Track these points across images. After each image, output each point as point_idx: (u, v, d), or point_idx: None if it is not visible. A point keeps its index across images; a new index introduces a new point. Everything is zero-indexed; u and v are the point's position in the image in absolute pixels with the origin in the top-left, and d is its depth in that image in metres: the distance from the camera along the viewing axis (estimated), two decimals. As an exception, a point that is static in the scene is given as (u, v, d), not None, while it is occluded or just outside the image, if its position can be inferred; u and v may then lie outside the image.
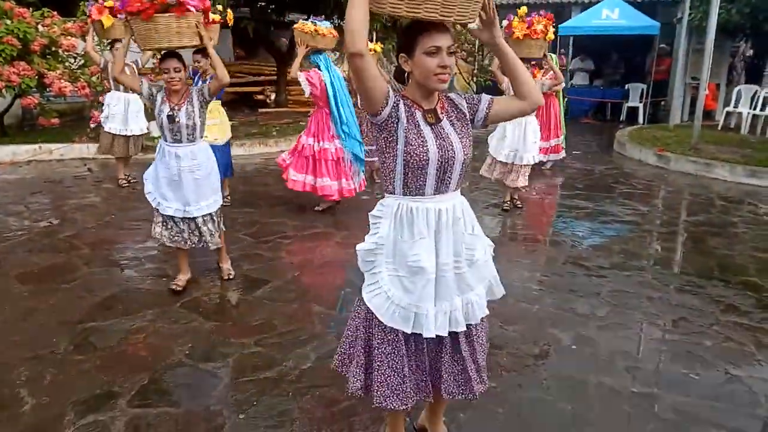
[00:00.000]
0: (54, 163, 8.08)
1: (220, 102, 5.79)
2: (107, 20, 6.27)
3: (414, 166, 1.90)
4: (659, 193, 7.52)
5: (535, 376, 3.07)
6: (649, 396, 2.91)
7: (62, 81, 7.62)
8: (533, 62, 6.67)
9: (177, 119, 3.64)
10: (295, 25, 6.08)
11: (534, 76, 6.89)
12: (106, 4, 6.32)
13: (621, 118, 13.91)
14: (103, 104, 7.94)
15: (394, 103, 1.89)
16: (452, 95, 2.08)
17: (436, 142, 1.91)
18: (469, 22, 1.87)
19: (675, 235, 5.67)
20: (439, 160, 1.90)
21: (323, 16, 7.85)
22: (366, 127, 7.20)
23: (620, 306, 3.93)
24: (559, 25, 14.04)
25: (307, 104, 11.85)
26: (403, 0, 1.76)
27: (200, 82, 5.71)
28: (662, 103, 13.80)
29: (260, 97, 13.23)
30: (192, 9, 3.38)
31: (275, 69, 13.06)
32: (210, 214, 3.94)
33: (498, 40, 1.94)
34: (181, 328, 3.50)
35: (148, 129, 7.18)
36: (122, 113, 6.79)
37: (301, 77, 5.67)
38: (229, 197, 6.16)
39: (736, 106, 11.39)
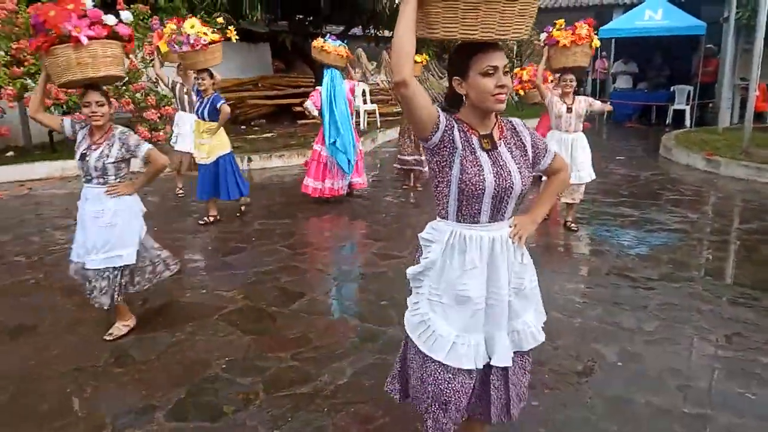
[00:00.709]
0: (100, 177, 8.30)
1: (215, 124, 5.77)
2: (163, 46, 6.59)
3: (469, 194, 1.83)
4: (709, 200, 7.23)
5: (579, 394, 2.95)
6: (702, 417, 2.75)
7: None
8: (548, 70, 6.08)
9: (87, 158, 3.33)
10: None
11: (545, 81, 6.63)
12: (164, 30, 6.63)
13: (667, 122, 13.51)
14: (147, 120, 8.18)
15: (447, 127, 1.82)
16: (515, 121, 2.01)
17: (492, 170, 1.83)
18: (524, 37, 1.81)
19: (727, 243, 5.42)
20: (495, 188, 1.83)
21: (342, 32, 8.27)
22: (403, 139, 7.26)
23: (669, 320, 3.76)
24: (601, 28, 13.75)
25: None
26: (457, 22, 1.67)
27: (205, 101, 5.75)
28: (710, 105, 13.34)
29: (299, 108, 13.33)
30: (83, 39, 3.02)
31: (313, 81, 13.18)
32: (106, 269, 3.43)
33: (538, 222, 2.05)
34: (219, 341, 3.51)
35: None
36: (190, 133, 6.89)
37: (308, 104, 6.84)
38: (214, 217, 6.05)
39: (789, 107, 10.91)
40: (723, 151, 8.98)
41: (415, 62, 6.96)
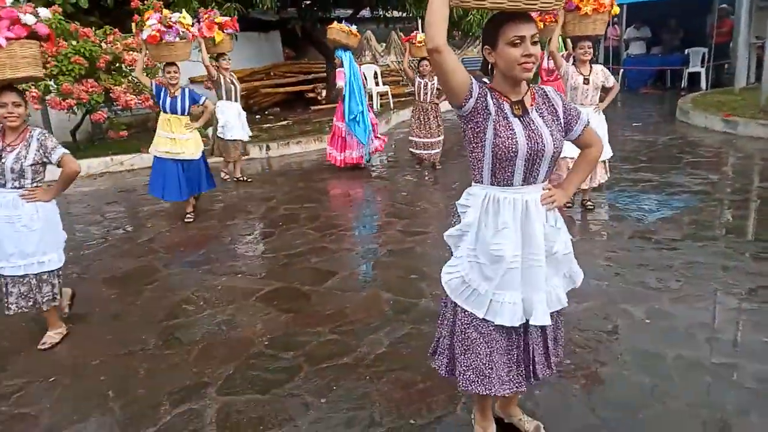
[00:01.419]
0: (125, 173, 8.51)
1: (188, 117, 5.72)
2: (218, 36, 6.79)
3: (502, 157, 1.92)
4: (729, 160, 7.23)
5: (610, 351, 3.06)
6: (730, 366, 2.85)
7: (128, 95, 8.01)
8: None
9: (3, 160, 3.21)
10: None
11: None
12: (216, 20, 6.82)
13: (682, 85, 13.37)
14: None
15: (480, 94, 1.91)
16: (548, 90, 2.08)
17: (524, 133, 1.91)
18: (555, 9, 1.89)
19: (748, 202, 5.45)
20: (528, 152, 1.91)
21: (350, 15, 8.85)
22: (418, 120, 7.44)
23: (694, 277, 3.84)
24: (611, -5, 13.58)
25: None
26: None
27: (181, 95, 5.59)
28: (725, 66, 13.17)
29: (312, 95, 13.45)
30: (1, 41, 3.00)
31: (324, 66, 13.24)
32: (27, 276, 3.35)
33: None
34: (259, 321, 3.67)
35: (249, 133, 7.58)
36: (236, 120, 7.19)
37: (339, 83, 7.44)
38: (192, 213, 5.99)
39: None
40: (741, 111, 8.91)
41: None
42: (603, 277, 3.94)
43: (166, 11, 5.57)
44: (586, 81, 5.11)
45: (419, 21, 16.24)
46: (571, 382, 2.79)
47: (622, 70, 14.48)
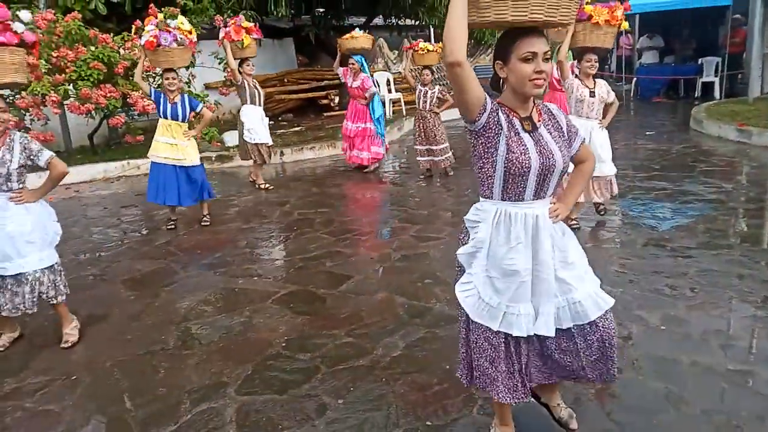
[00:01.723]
0: (142, 177, 8.59)
1: (187, 125, 5.76)
2: (246, 39, 6.92)
3: (515, 173, 1.95)
4: (743, 169, 7.21)
5: (626, 357, 3.07)
6: (745, 373, 2.86)
7: (145, 100, 8.10)
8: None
9: None
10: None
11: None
12: (243, 24, 6.88)
13: (696, 95, 13.35)
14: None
15: (492, 109, 1.94)
16: (551, 107, 2.13)
17: (536, 149, 1.95)
18: (570, 23, 1.93)
19: (763, 210, 5.45)
20: (539, 167, 1.95)
21: (363, 23, 9.00)
22: (419, 128, 7.47)
23: (709, 285, 3.85)
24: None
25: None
26: (508, 6, 1.79)
27: (180, 102, 5.61)
28: (739, 76, 13.13)
29: (325, 101, 13.55)
30: None
31: (337, 73, 13.32)
32: (23, 274, 3.39)
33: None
34: (276, 323, 3.72)
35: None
36: (260, 124, 7.31)
37: (340, 71, 8.05)
38: (208, 216, 6.05)
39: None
40: (755, 120, 8.89)
41: (428, 51, 7.14)
42: (617, 283, 3.96)
43: (161, 16, 5.54)
44: (592, 94, 4.98)
45: (431, 29, 16.39)
46: (586, 386, 2.81)
47: (635, 79, 14.49)
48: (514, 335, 2.09)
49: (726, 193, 5.99)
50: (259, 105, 7.33)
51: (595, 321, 2.11)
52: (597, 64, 4.99)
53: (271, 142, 7.56)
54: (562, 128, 2.09)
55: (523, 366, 2.18)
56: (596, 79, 5.06)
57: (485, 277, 2.06)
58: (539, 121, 2.03)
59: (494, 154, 1.96)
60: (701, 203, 5.71)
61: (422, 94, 7.38)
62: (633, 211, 5.69)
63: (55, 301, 3.54)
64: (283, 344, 3.43)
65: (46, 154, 3.41)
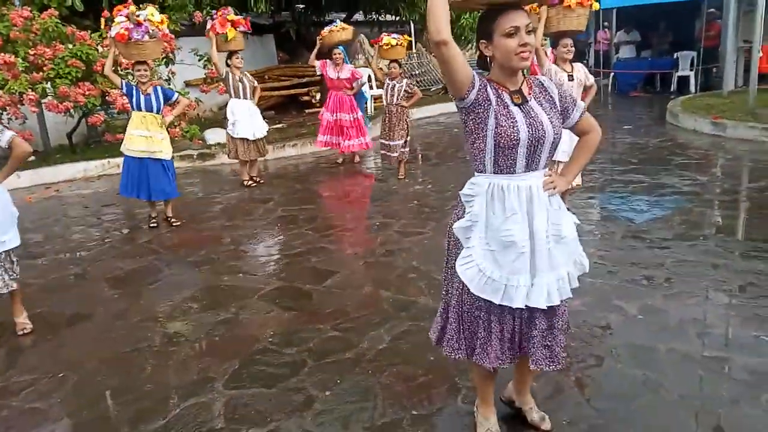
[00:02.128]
0: (122, 175, 8.54)
1: (160, 115, 5.70)
2: (231, 32, 6.86)
3: (505, 145, 1.99)
4: (718, 162, 7.38)
5: (605, 345, 3.16)
6: (722, 359, 2.96)
7: (124, 97, 8.03)
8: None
9: None
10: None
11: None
12: (228, 17, 6.75)
13: (672, 89, 13.57)
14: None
15: (481, 86, 1.99)
16: (543, 79, 2.17)
17: (525, 121, 1.99)
18: (548, 1, 1.97)
19: (737, 202, 5.59)
20: (529, 139, 1.99)
21: (344, 19, 9.09)
22: (383, 122, 7.35)
23: (685, 275, 3.96)
24: (601, -1, 13.78)
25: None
26: None
27: (153, 93, 5.58)
28: (714, 70, 13.38)
29: (306, 98, 13.52)
30: None
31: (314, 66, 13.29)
32: None
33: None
34: (262, 318, 3.75)
35: (266, 131, 7.62)
36: (247, 119, 7.23)
37: (317, 64, 8.04)
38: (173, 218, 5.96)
39: (794, 67, 10.96)
40: (729, 114, 9.08)
41: (392, 46, 7.12)
42: (597, 275, 4.04)
43: (133, 8, 5.45)
44: (571, 78, 5.00)
45: (412, 25, 16.42)
46: (566, 374, 2.88)
47: (612, 74, 14.68)
48: (514, 306, 2.10)
49: (701, 186, 6.13)
50: (246, 98, 7.22)
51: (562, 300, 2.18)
52: (573, 49, 5.01)
53: (253, 137, 7.34)
54: (554, 99, 2.12)
55: (516, 333, 2.21)
56: (573, 63, 5.09)
57: (485, 250, 2.08)
58: (530, 94, 2.07)
59: (484, 129, 2.00)
60: (677, 195, 5.84)
61: (390, 87, 7.24)
62: (611, 203, 5.80)
63: (9, 288, 3.57)
64: (270, 339, 3.46)
65: (8, 134, 3.40)
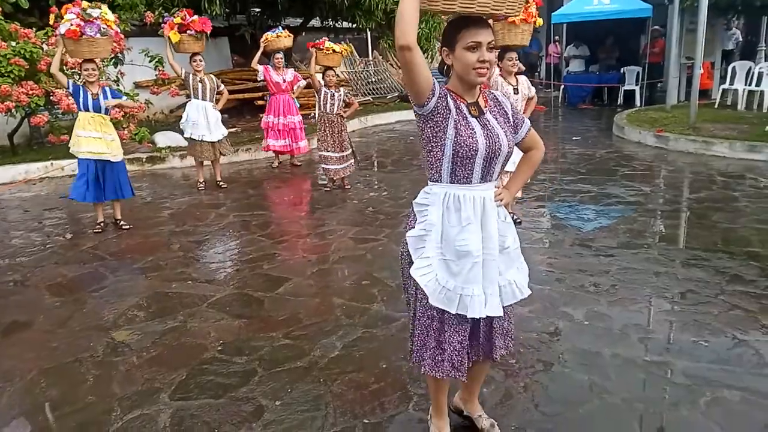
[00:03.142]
0: (66, 178, 8.23)
1: (109, 116, 5.65)
2: (174, 36, 6.83)
3: (463, 156, 2.01)
4: (660, 173, 7.66)
5: (552, 351, 3.23)
6: (663, 364, 3.06)
7: (70, 98, 7.76)
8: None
9: None
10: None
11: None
12: (175, 20, 6.74)
13: (618, 102, 14.05)
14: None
15: (441, 94, 2.00)
16: (497, 94, 2.21)
17: (483, 133, 2.02)
18: (517, 16, 2.00)
19: (678, 212, 5.81)
20: (486, 151, 2.02)
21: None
22: (325, 133, 6.97)
23: (629, 282, 4.09)
24: (552, 13, 14.19)
25: (307, 107, 12.04)
26: None
27: (101, 94, 5.46)
28: (658, 84, 13.93)
29: (261, 102, 13.35)
30: None
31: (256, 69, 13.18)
32: None
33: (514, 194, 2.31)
34: (211, 327, 3.67)
35: (224, 134, 7.57)
36: (204, 121, 7.19)
37: (260, 68, 8.24)
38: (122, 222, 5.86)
39: (731, 84, 11.51)
40: (672, 127, 9.47)
41: (334, 52, 7.08)
42: (545, 281, 4.13)
43: (85, 3, 5.32)
44: (516, 91, 5.18)
45: (368, 32, 16.49)
46: (515, 380, 2.93)
47: (562, 86, 15.10)
48: (468, 316, 2.12)
49: (645, 196, 6.36)
50: (203, 99, 7.21)
51: (504, 308, 2.22)
52: (518, 62, 5.18)
53: (213, 139, 7.32)
54: (507, 114, 2.17)
55: (466, 344, 2.23)
56: (517, 76, 5.27)
57: (441, 259, 2.09)
58: (486, 107, 2.11)
59: (443, 137, 2.02)
60: (622, 205, 6.03)
61: (329, 96, 6.84)
62: (560, 212, 5.94)
63: None
64: (219, 348, 3.39)
65: None
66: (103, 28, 5.30)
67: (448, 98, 2.03)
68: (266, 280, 4.39)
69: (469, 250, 2.06)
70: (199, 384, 3.03)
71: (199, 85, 7.16)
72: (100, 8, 5.38)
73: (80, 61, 5.53)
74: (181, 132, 7.70)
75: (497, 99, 2.19)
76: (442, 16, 2.00)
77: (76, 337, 3.60)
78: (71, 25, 5.13)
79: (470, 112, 2.05)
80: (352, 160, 7.19)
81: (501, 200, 2.16)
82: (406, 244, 2.18)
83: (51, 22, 5.57)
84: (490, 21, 2.06)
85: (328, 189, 7.05)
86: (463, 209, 2.07)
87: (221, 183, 7.54)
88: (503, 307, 2.20)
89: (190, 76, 7.16)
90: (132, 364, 3.27)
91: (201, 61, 7.19)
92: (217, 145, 7.42)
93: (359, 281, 4.31)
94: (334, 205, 6.58)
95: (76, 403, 2.90)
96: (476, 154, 2.02)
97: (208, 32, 7.32)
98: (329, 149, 6.95)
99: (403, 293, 2.33)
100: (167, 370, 3.16)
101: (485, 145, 2.02)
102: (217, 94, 7.43)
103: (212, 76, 7.46)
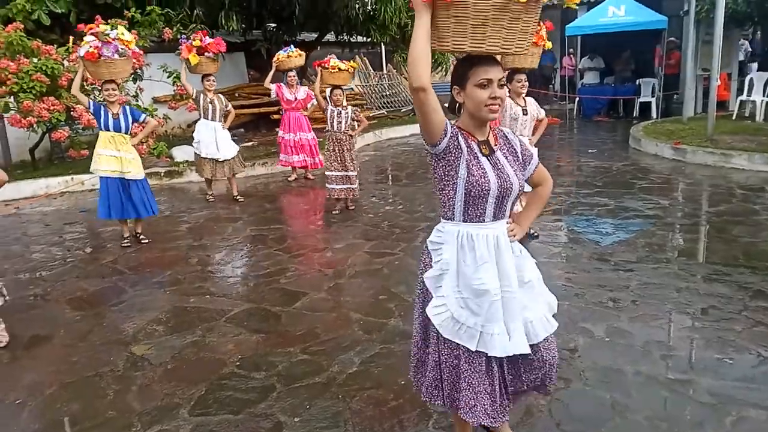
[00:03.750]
0: (86, 193, 8.36)
1: (129, 136, 5.68)
2: (194, 59, 7.01)
3: (475, 195, 2.01)
4: (679, 186, 7.59)
5: (573, 368, 3.19)
6: (686, 382, 3.01)
7: (90, 113, 7.89)
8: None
9: None
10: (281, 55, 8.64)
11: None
12: (193, 44, 6.92)
13: (634, 114, 13.97)
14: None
15: (452, 133, 2.00)
16: (506, 131, 2.20)
17: (494, 172, 2.02)
18: (524, 52, 2.01)
19: (698, 226, 5.75)
20: (498, 190, 2.02)
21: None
22: (333, 152, 6.69)
23: (649, 297, 4.04)
24: (567, 26, 14.17)
25: (321, 120, 12.14)
26: (467, 36, 1.87)
27: (122, 113, 5.53)
28: (675, 96, 13.84)
29: (276, 116, 13.46)
30: None
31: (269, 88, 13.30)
32: None
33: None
34: (230, 342, 3.68)
35: (236, 151, 7.71)
36: (213, 140, 7.38)
37: (272, 87, 8.53)
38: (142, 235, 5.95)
39: (749, 95, 11.41)
40: (689, 139, 9.38)
41: (341, 70, 7.03)
42: (564, 297, 4.10)
43: (103, 27, 5.41)
44: (525, 112, 5.17)
45: (382, 46, 16.59)
46: (536, 398, 2.90)
47: (577, 99, 15.05)
48: (489, 354, 2.09)
49: (663, 209, 6.30)
50: (213, 119, 7.38)
51: (538, 343, 2.17)
52: (527, 83, 5.17)
53: (221, 158, 7.45)
54: (516, 152, 2.17)
55: (500, 383, 2.18)
56: (526, 98, 5.27)
57: (458, 298, 2.09)
58: (496, 145, 2.10)
59: (455, 176, 2.02)
60: (641, 219, 5.98)
61: (336, 114, 6.61)
62: (577, 226, 5.90)
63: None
64: (237, 363, 3.40)
65: None
66: (121, 49, 5.39)
67: (459, 137, 2.03)
68: (283, 295, 4.40)
69: (486, 289, 2.05)
70: (217, 399, 3.04)
71: (209, 105, 7.33)
72: (117, 29, 5.48)
73: (101, 82, 5.61)
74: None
75: (506, 137, 2.19)
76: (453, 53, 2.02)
77: (96, 351, 3.63)
78: (89, 47, 5.24)
79: (481, 151, 2.05)
80: (356, 184, 6.84)
81: (514, 236, 2.16)
82: (423, 284, 2.17)
83: (70, 43, 5.69)
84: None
85: (337, 211, 6.79)
86: (477, 247, 2.06)
87: (238, 197, 7.62)
88: (539, 342, 2.16)
89: (201, 95, 7.32)
90: (151, 378, 3.29)
91: (214, 81, 7.37)
92: (230, 162, 7.57)
93: (376, 296, 4.31)
94: (349, 219, 6.59)
95: (96, 418, 2.92)
96: (488, 194, 2.02)
97: (223, 51, 7.49)
98: (333, 168, 6.72)
99: (414, 333, 2.29)
100: (186, 385, 3.17)
101: (497, 185, 2.02)
102: (225, 112, 7.57)
103: (221, 95, 7.59)
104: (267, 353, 3.50)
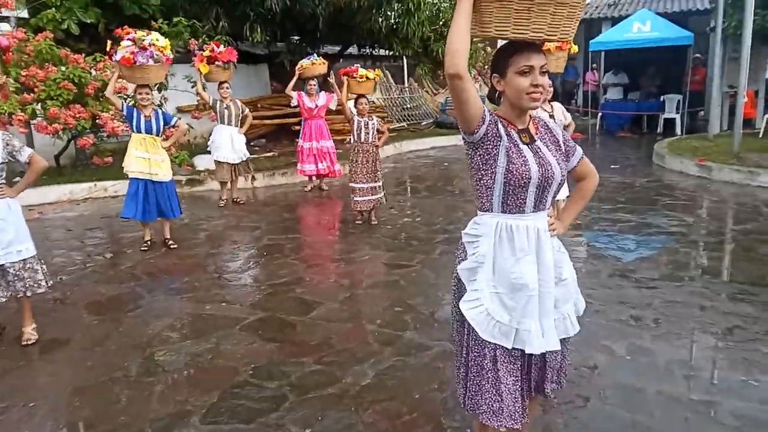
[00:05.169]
0: (109, 199, 8.46)
1: (161, 138, 5.78)
2: (204, 68, 7.35)
3: (515, 184, 1.94)
4: (703, 203, 7.45)
5: (593, 386, 3.11)
6: (710, 403, 2.92)
7: (114, 121, 8.02)
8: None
9: None
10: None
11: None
12: (204, 54, 7.24)
13: (658, 130, 13.80)
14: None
15: (491, 121, 1.94)
16: (548, 120, 2.15)
17: (535, 160, 1.95)
18: (569, 39, 1.96)
19: (723, 244, 5.62)
20: (539, 178, 1.94)
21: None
22: (359, 163, 6.57)
23: (672, 316, 3.94)
24: (590, 41, 14.10)
25: (342, 131, 12.18)
26: (510, 23, 1.81)
27: (154, 116, 5.64)
28: (699, 113, 13.65)
29: (297, 127, 13.54)
30: None
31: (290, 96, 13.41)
32: (4, 265, 3.68)
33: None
34: (244, 350, 3.66)
35: (245, 156, 8.00)
36: (229, 144, 7.72)
37: (294, 95, 8.64)
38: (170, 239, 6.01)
39: (777, 113, 11.20)
40: (714, 156, 9.22)
41: (368, 79, 7.01)
42: (584, 313, 3.97)
43: (140, 33, 5.54)
44: (552, 117, 5.10)
45: (404, 59, 16.65)
46: (554, 416, 2.83)
47: (600, 114, 14.92)
48: (526, 352, 2.01)
49: (687, 227, 6.17)
50: (229, 124, 7.73)
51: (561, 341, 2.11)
52: (552, 89, 5.06)
53: (236, 161, 7.82)
54: (558, 141, 2.10)
55: (523, 382, 2.10)
56: (552, 103, 5.23)
57: (492, 293, 2.01)
58: (536, 133, 2.04)
59: (494, 165, 1.95)
60: (664, 236, 5.86)
61: (363, 125, 6.48)
62: (599, 242, 5.80)
63: (31, 292, 3.80)
64: (251, 372, 3.38)
65: (28, 151, 3.72)
66: (156, 55, 5.52)
67: (499, 125, 1.97)
68: (298, 304, 4.38)
69: (525, 283, 1.97)
70: (230, 408, 3.01)
71: (225, 111, 7.70)
72: (151, 34, 5.61)
73: (136, 86, 5.78)
74: None
75: (548, 126, 2.12)
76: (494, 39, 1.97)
77: (111, 356, 3.64)
78: (126, 52, 5.37)
79: (521, 140, 1.98)
80: (383, 193, 6.78)
81: (554, 231, 2.09)
82: (458, 277, 2.09)
83: (108, 47, 5.81)
84: None
85: (359, 222, 6.73)
86: (516, 240, 1.98)
87: (238, 199, 8.03)
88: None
89: (218, 102, 7.69)
90: (165, 385, 3.27)
91: (228, 88, 7.68)
92: (237, 166, 7.89)
93: (392, 307, 4.26)
94: (367, 230, 6.56)
95: (108, 422, 2.91)
96: (529, 183, 1.94)
97: (235, 60, 7.73)
98: (359, 180, 6.57)
99: (452, 331, 2.21)
100: (199, 393, 3.16)
101: (538, 173, 1.94)
102: (241, 117, 7.87)
103: (237, 101, 7.92)
104: (280, 362, 3.47)
